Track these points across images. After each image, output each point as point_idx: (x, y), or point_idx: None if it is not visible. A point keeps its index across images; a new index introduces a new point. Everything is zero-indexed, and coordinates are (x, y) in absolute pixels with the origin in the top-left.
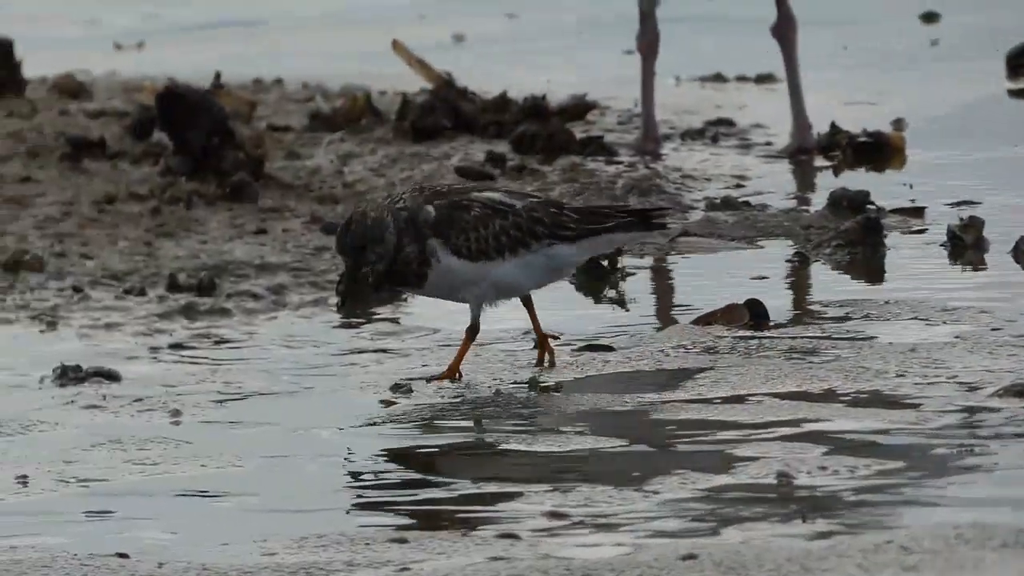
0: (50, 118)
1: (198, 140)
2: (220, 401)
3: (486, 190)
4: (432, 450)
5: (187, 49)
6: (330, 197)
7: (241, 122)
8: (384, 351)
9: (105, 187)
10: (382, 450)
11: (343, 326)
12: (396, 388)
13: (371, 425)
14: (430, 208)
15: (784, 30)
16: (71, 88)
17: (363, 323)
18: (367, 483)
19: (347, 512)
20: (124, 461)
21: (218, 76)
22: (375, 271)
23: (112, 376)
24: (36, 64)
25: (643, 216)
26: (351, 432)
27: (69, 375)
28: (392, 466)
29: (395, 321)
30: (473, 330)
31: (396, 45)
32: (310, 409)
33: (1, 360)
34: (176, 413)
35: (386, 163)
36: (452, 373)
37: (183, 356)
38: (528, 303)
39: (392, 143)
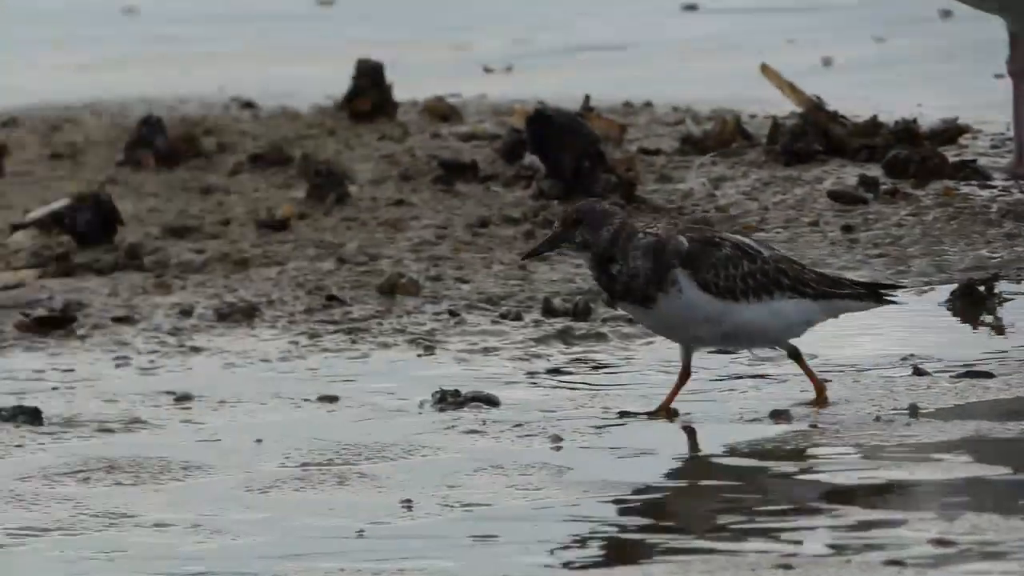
0: (422, 141)
1: (569, 163)
2: (599, 427)
3: (738, 233)
4: (812, 477)
5: (556, 72)
6: (702, 220)
7: (611, 145)
8: (762, 377)
9: (478, 210)
10: (765, 475)
11: (720, 352)
12: (775, 415)
13: (751, 451)
14: (682, 239)
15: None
16: (442, 111)
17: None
18: (749, 508)
19: (731, 537)
20: (507, 486)
21: (587, 99)
22: (594, 255)
23: (491, 401)
24: (407, 88)
25: (874, 290)
26: (732, 457)
27: (448, 400)
28: (774, 491)
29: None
30: (686, 374)
31: (765, 69)
32: (690, 435)
33: (381, 384)
34: (556, 439)
35: (758, 187)
36: (665, 411)
37: (561, 381)
38: (797, 355)
39: (763, 166)
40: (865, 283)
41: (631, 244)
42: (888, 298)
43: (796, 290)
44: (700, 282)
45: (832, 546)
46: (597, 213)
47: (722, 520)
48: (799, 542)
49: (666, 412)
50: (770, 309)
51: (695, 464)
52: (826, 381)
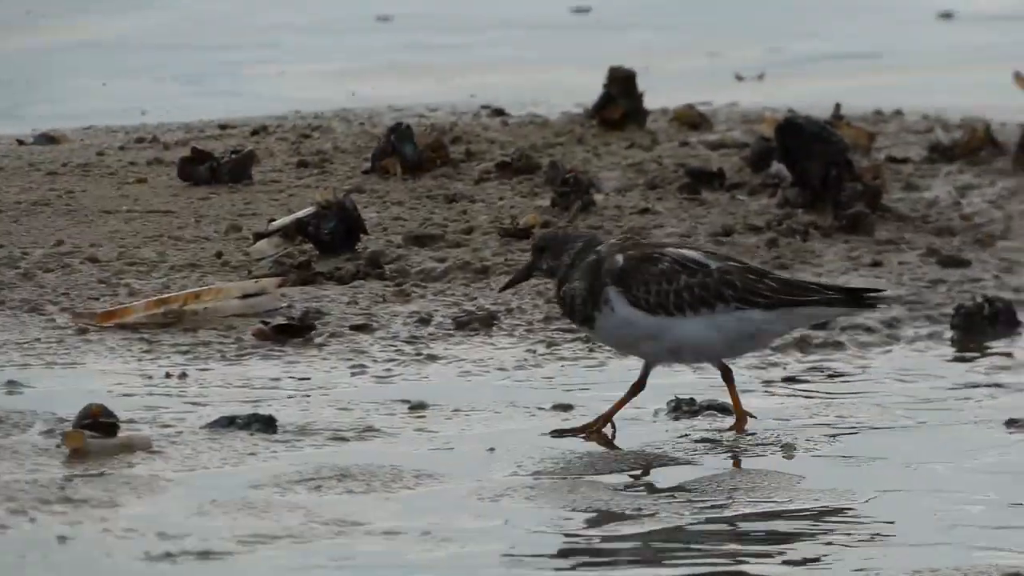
0: (670, 149)
1: (817, 172)
2: (833, 435)
3: (684, 247)
4: None
5: (807, 81)
6: (947, 229)
7: (860, 154)
8: (999, 385)
9: (722, 219)
10: (998, 486)
11: (956, 360)
12: (1011, 424)
13: (984, 461)
14: (619, 257)
15: None
16: (691, 119)
17: (977, 357)
18: (980, 520)
19: (961, 547)
20: (742, 492)
21: (838, 107)
22: (558, 280)
23: (726, 410)
24: (657, 96)
25: (852, 295)
26: (966, 468)
27: (683, 408)
28: (1003, 503)
29: (1009, 355)
30: (638, 387)
31: (1018, 77)
32: (923, 443)
33: (617, 393)
34: (789, 448)
35: (1004, 195)
36: (602, 424)
37: (796, 390)
38: (728, 377)
39: (1012, 175)
40: (842, 288)
41: (578, 266)
42: (868, 302)
43: (745, 301)
44: (630, 299)
45: None
46: (559, 240)
47: (955, 532)
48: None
49: (603, 422)
50: (710, 323)
51: (925, 473)
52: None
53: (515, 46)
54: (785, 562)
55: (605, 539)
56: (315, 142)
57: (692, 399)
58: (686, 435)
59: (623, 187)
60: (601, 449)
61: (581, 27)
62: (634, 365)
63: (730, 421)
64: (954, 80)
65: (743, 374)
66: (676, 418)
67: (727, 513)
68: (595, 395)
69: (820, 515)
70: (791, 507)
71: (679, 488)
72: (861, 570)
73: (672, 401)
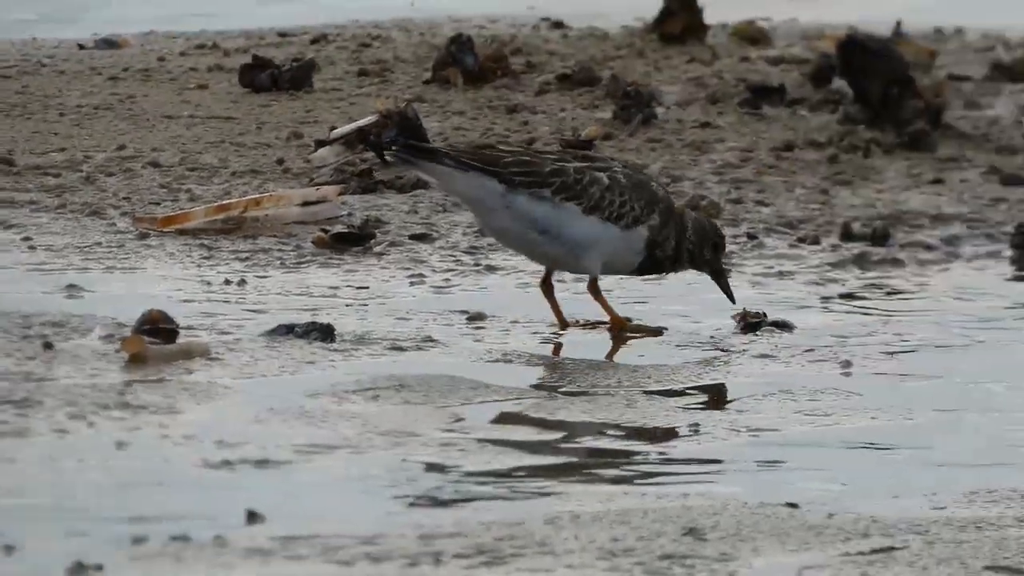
0: (730, 64)
1: (877, 89)
2: (890, 353)
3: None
4: None
5: None
6: (1008, 148)
7: (920, 71)
8: None
9: (783, 134)
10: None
11: (1016, 279)
12: None
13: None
14: None
15: None
16: (751, 35)
17: None
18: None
19: (1019, 468)
20: (795, 412)
21: (899, 25)
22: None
23: (785, 326)
24: (718, 11)
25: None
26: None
27: (749, 321)
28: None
29: None
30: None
31: None
32: (982, 363)
33: (675, 307)
34: (847, 364)
35: None
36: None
37: (854, 306)
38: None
39: None
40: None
41: None
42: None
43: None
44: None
45: None
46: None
47: (1014, 452)
48: None
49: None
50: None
51: (983, 392)
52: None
53: None
54: (830, 480)
55: (659, 453)
56: (375, 51)
57: (761, 312)
58: (745, 351)
59: (684, 101)
60: (659, 362)
61: None
62: (692, 279)
63: (788, 337)
64: None
65: (800, 290)
66: (743, 332)
67: (782, 432)
68: (654, 308)
69: (874, 433)
70: (847, 425)
71: (732, 406)
72: (926, 494)
73: (738, 315)
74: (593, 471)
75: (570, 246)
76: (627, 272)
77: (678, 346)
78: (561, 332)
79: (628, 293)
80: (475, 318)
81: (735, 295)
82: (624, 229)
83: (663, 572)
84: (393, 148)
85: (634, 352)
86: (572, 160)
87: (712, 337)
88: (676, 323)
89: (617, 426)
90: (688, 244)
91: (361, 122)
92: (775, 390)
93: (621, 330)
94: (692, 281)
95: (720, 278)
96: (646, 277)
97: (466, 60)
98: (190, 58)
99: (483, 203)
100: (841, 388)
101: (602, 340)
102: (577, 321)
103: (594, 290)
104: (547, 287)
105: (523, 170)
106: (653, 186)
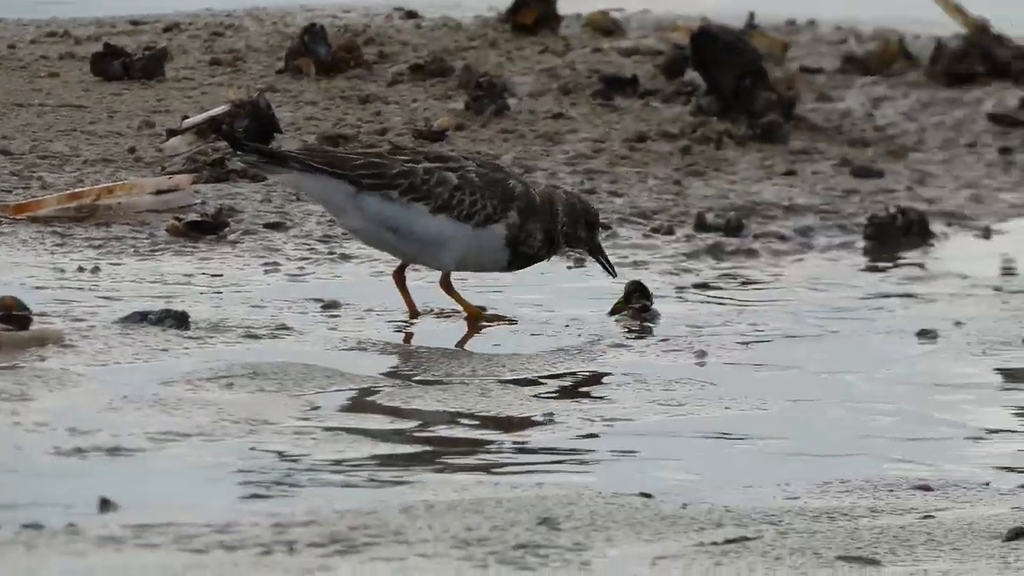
0: (583, 55)
1: (730, 81)
2: (745, 343)
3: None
4: (955, 399)
5: None
6: (860, 140)
7: (773, 63)
8: (910, 296)
9: (636, 126)
10: (908, 397)
11: (869, 270)
12: (922, 334)
13: (895, 371)
14: None
15: None
16: (604, 26)
17: (889, 267)
18: (891, 431)
19: (871, 458)
20: (649, 401)
21: (752, 16)
22: None
23: (647, 311)
24: (571, 1)
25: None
26: (876, 378)
27: (618, 306)
28: (912, 415)
29: (921, 266)
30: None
31: None
32: (835, 353)
33: (530, 296)
34: (701, 354)
35: (917, 108)
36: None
37: (709, 296)
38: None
39: (924, 87)
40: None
41: None
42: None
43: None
44: None
45: (968, 468)
46: None
47: (865, 443)
48: (937, 465)
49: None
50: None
51: (836, 382)
52: None
53: None
54: (684, 470)
55: (514, 443)
56: (228, 40)
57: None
58: (599, 339)
59: (536, 92)
60: (513, 351)
61: None
62: (546, 268)
63: (644, 326)
64: None
65: (655, 279)
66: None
67: (637, 421)
68: (507, 297)
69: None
70: (701, 415)
71: (588, 395)
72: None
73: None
74: (448, 460)
75: (422, 244)
76: (499, 269)
77: (533, 335)
78: (413, 321)
79: (482, 282)
80: (329, 306)
81: (593, 284)
82: (477, 227)
83: (517, 562)
84: (239, 154)
85: (489, 341)
86: (424, 160)
87: (567, 326)
88: (531, 312)
89: (472, 415)
90: (562, 228)
91: (213, 111)
92: (630, 379)
93: (476, 319)
94: (545, 271)
95: (598, 254)
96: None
97: (319, 50)
98: (41, 46)
99: (334, 204)
100: (695, 378)
101: (457, 329)
102: (431, 310)
103: (446, 285)
104: (399, 278)
105: (371, 172)
106: (510, 183)
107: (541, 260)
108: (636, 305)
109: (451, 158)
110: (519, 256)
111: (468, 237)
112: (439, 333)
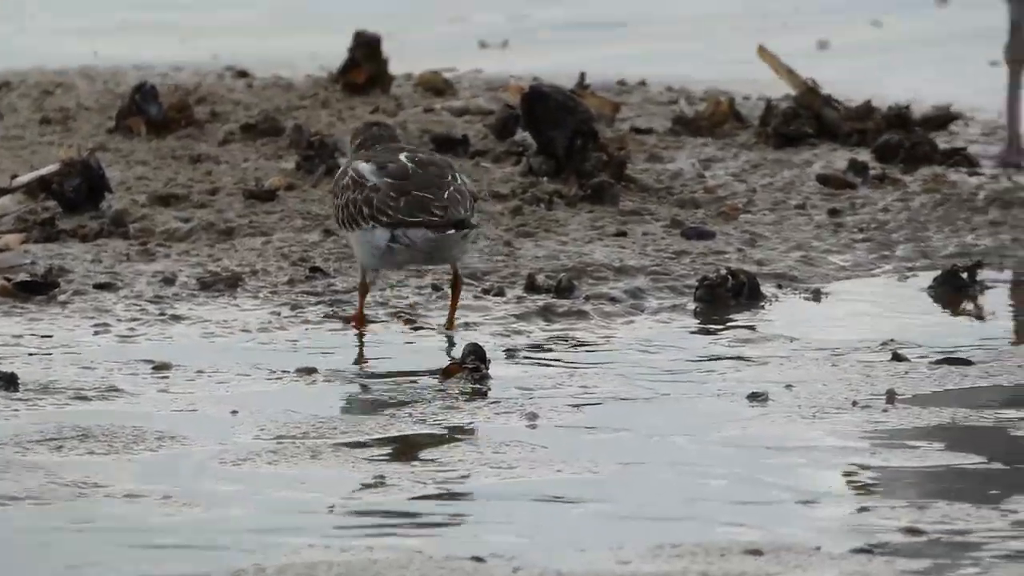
0: (414, 115)
1: (561, 141)
2: (576, 405)
3: (370, 160)
4: (786, 462)
5: (552, 49)
6: (691, 201)
7: (604, 124)
8: (741, 358)
9: None
10: (739, 460)
11: (699, 332)
12: (753, 397)
13: (726, 434)
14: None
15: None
16: (436, 85)
17: (720, 329)
18: (722, 495)
19: (703, 522)
20: (481, 464)
21: (583, 77)
22: None
23: (480, 371)
24: (403, 62)
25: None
26: (708, 441)
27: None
28: (744, 478)
29: (752, 328)
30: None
31: (762, 51)
32: (666, 416)
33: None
34: (532, 416)
35: (747, 169)
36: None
37: (540, 358)
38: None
39: (754, 148)
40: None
41: None
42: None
43: (373, 218)
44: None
45: (800, 535)
46: None
47: (696, 507)
48: (769, 530)
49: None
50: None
51: (667, 445)
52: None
53: (258, 7)
54: (515, 533)
55: (344, 506)
56: (58, 99)
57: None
58: (429, 401)
59: None
60: (346, 414)
61: None
62: (378, 330)
63: (474, 388)
64: (699, 52)
65: (486, 340)
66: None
67: (468, 484)
68: (339, 359)
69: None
70: (533, 478)
71: (419, 457)
72: (612, 548)
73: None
74: (278, 523)
75: None
76: None
77: (365, 397)
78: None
79: (315, 344)
80: (160, 368)
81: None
82: None
83: None
84: None
85: (324, 404)
86: None
87: (399, 387)
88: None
89: (303, 480)
90: None
91: (43, 171)
92: (461, 442)
93: None
94: (377, 333)
95: None
96: None
97: (150, 109)
98: None
99: None
100: (527, 440)
101: (293, 388)
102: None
103: None
104: None
105: None
106: None
107: None
108: (470, 366)
109: None
110: None
111: None
112: (272, 395)
